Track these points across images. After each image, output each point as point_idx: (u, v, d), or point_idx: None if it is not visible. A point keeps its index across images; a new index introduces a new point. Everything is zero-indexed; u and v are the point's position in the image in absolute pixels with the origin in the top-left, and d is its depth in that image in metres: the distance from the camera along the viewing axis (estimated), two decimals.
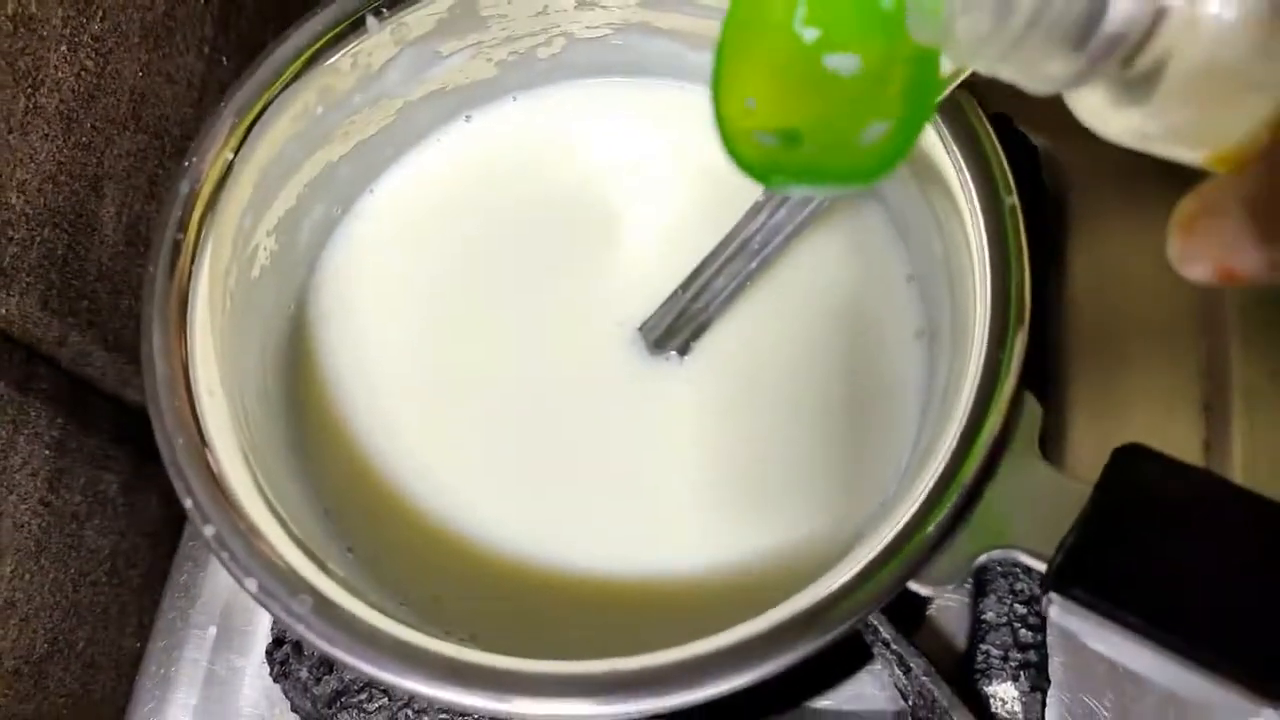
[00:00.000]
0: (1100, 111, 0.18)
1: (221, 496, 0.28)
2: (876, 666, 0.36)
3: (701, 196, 0.37)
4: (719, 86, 0.22)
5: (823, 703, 0.36)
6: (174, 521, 0.42)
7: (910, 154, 0.21)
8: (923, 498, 0.26)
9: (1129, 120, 0.18)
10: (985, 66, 0.18)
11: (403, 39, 0.34)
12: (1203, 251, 0.18)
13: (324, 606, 0.26)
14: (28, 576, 0.35)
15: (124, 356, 0.38)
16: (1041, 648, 0.36)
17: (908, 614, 0.36)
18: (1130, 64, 0.17)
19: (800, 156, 0.21)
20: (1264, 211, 0.17)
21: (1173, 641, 0.23)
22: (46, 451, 0.36)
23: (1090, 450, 0.39)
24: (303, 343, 0.37)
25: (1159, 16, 0.16)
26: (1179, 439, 0.39)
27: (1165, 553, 0.24)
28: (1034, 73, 0.18)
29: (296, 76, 0.32)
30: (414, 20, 0.34)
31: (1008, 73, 0.18)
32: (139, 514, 0.41)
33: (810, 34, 0.21)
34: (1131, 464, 0.25)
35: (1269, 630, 0.23)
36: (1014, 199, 0.28)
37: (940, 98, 0.23)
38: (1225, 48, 0.16)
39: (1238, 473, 0.38)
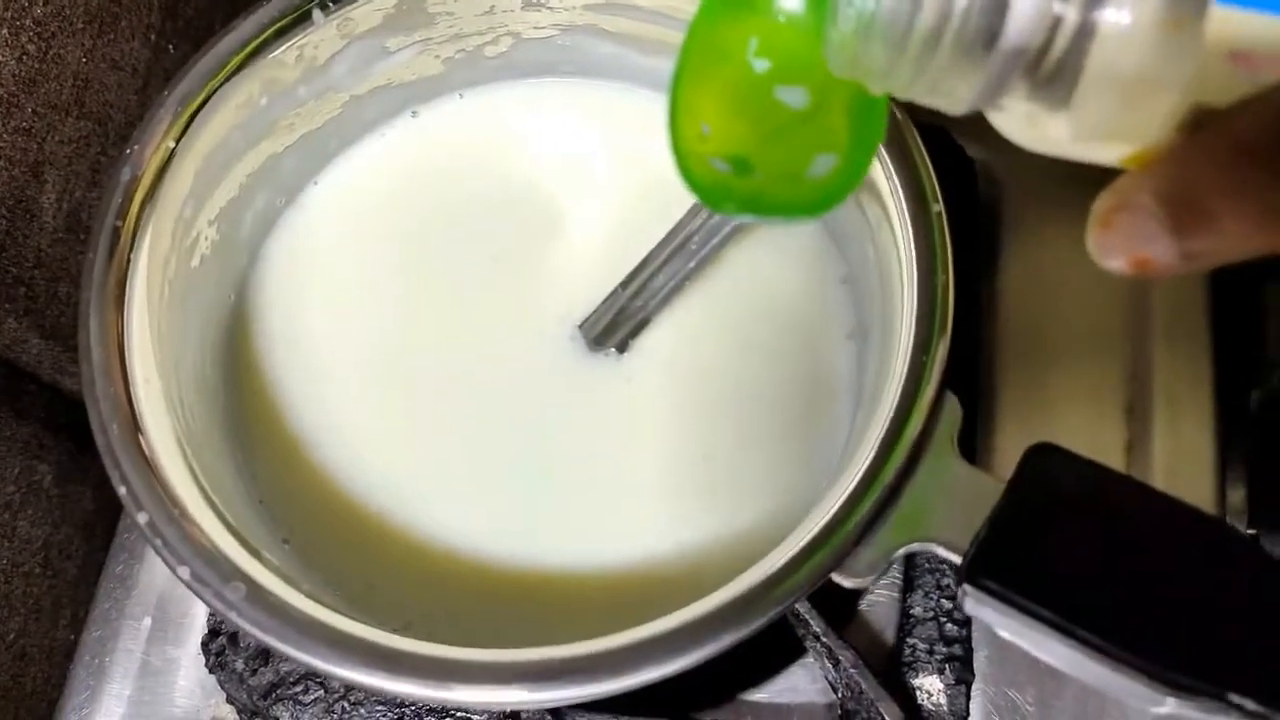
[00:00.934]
0: (1016, 125, 0.19)
1: (156, 483, 0.28)
2: (809, 660, 0.37)
3: (643, 197, 0.37)
4: (675, 111, 0.22)
5: (757, 695, 0.37)
6: (108, 513, 0.42)
7: (855, 190, 0.22)
8: (847, 494, 0.27)
9: (1045, 130, 0.19)
10: (900, 92, 0.19)
11: (349, 33, 0.35)
12: (1119, 244, 0.18)
13: (257, 594, 0.26)
14: None
15: (60, 344, 0.38)
16: (967, 642, 0.37)
17: (839, 608, 0.37)
18: (1035, 75, 0.18)
19: (751, 185, 0.22)
20: (1176, 204, 0.18)
21: (1078, 632, 0.24)
22: None
23: (1017, 448, 0.40)
24: (243, 332, 0.37)
25: (1055, 27, 0.17)
26: (1103, 440, 0.40)
27: (1073, 546, 0.25)
28: (946, 94, 0.18)
29: (240, 68, 0.32)
30: (360, 15, 0.34)
31: (923, 96, 0.19)
32: (73, 505, 0.40)
33: (761, 65, 0.21)
34: (1043, 462, 0.26)
35: (1168, 622, 0.24)
36: (940, 206, 0.29)
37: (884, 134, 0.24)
38: (1125, 53, 0.17)
39: (1158, 473, 0.40)
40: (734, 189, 0.22)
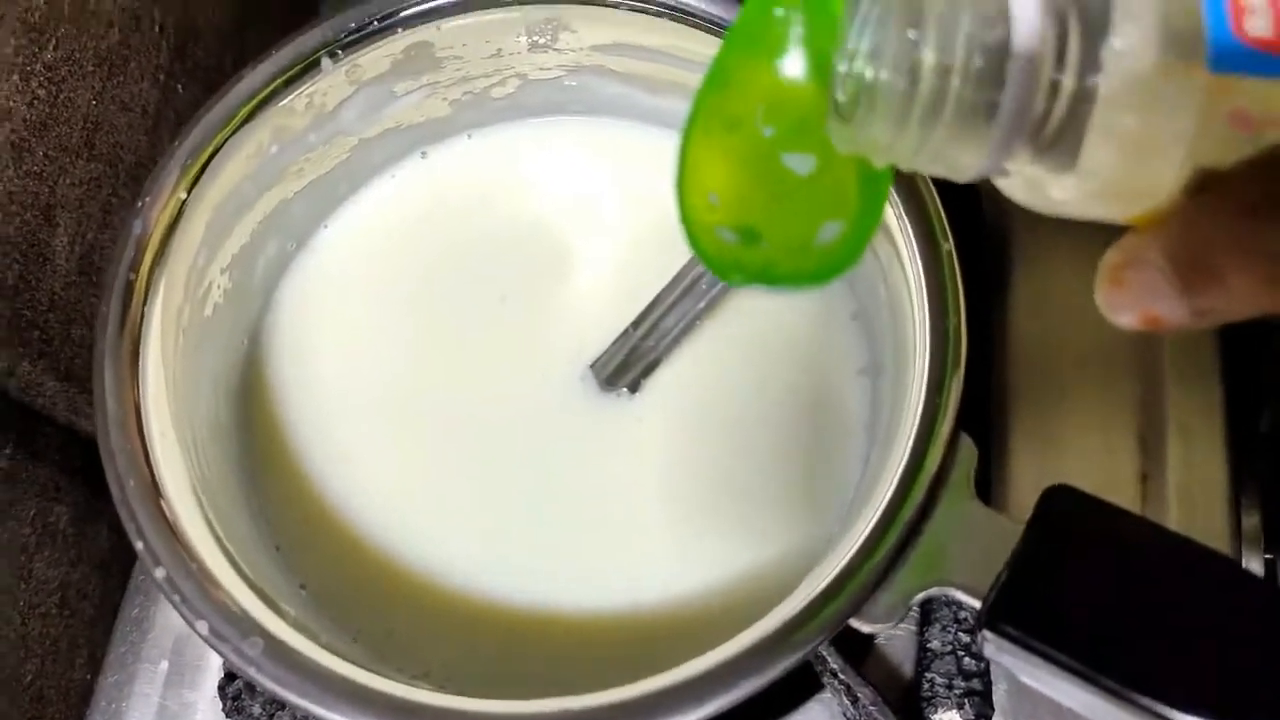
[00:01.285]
0: (1021, 189, 0.19)
1: (173, 539, 0.28)
2: (826, 695, 0.36)
3: (652, 235, 0.38)
4: (683, 180, 0.22)
5: None
6: (125, 553, 0.42)
7: (860, 257, 0.22)
8: (864, 537, 0.27)
9: (1050, 193, 0.19)
10: (904, 164, 0.19)
11: (358, 80, 0.35)
12: (1129, 301, 0.19)
13: (275, 648, 0.27)
14: None
15: (76, 386, 0.38)
16: (985, 676, 0.36)
17: (856, 644, 0.37)
18: (1038, 141, 0.18)
19: (759, 255, 0.22)
20: (1184, 263, 0.18)
21: (1101, 680, 0.24)
22: None
23: (1032, 480, 0.40)
24: (256, 377, 0.37)
25: (1053, 94, 0.17)
26: (1117, 470, 0.40)
27: (1093, 591, 0.25)
28: (950, 165, 0.19)
29: (250, 117, 0.33)
30: (368, 62, 0.34)
31: (927, 167, 0.19)
32: (89, 545, 0.40)
33: (768, 132, 0.21)
34: (1060, 504, 0.26)
35: (1191, 667, 0.24)
36: (950, 245, 0.29)
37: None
38: (1124, 114, 0.17)
39: (1173, 502, 0.40)
40: (743, 260, 0.22)
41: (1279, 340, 0.42)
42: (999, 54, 0.17)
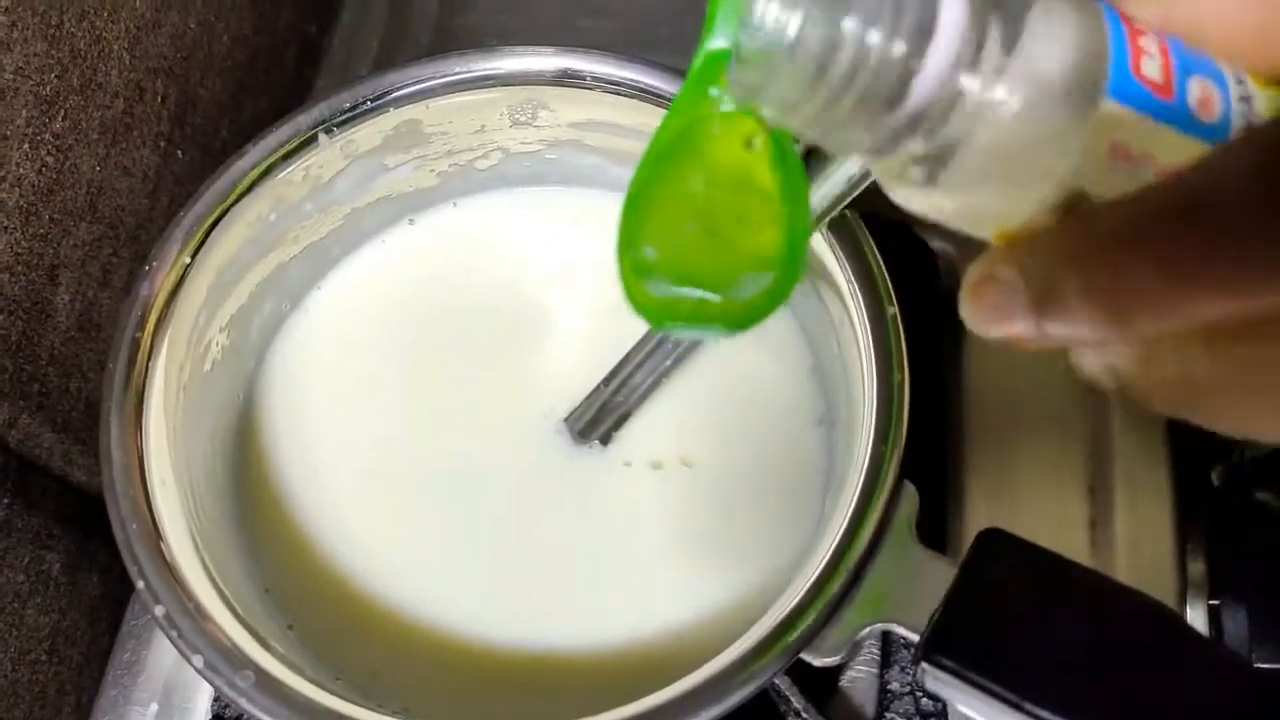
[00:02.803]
0: (904, 191, 0.20)
1: (171, 578, 0.29)
2: None
3: (624, 296, 0.40)
4: (622, 234, 0.24)
5: None
6: (112, 599, 0.43)
7: (781, 305, 0.24)
8: (813, 578, 0.29)
9: (929, 199, 0.20)
10: (798, 128, 0.20)
11: (351, 154, 0.37)
12: (985, 315, 0.19)
13: (265, 681, 0.28)
14: None
15: (71, 438, 0.39)
16: (943, 715, 0.38)
17: (818, 685, 0.38)
18: (929, 141, 0.18)
19: (690, 305, 0.23)
20: (1036, 284, 0.18)
21: (1027, 707, 0.26)
22: None
23: (985, 525, 0.41)
24: (250, 429, 0.39)
25: (955, 100, 0.18)
26: (1067, 517, 0.42)
27: (1022, 625, 0.27)
28: (841, 139, 0.19)
29: (251, 188, 0.35)
30: (362, 137, 0.37)
31: (817, 136, 0.19)
32: (79, 592, 0.41)
33: (701, 190, 0.23)
34: (992, 546, 0.28)
35: (1112, 694, 0.26)
36: (895, 309, 0.31)
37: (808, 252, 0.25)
38: (1009, 136, 0.18)
39: (1120, 548, 0.41)
40: (675, 309, 0.23)
41: None
42: (919, 43, 0.17)
